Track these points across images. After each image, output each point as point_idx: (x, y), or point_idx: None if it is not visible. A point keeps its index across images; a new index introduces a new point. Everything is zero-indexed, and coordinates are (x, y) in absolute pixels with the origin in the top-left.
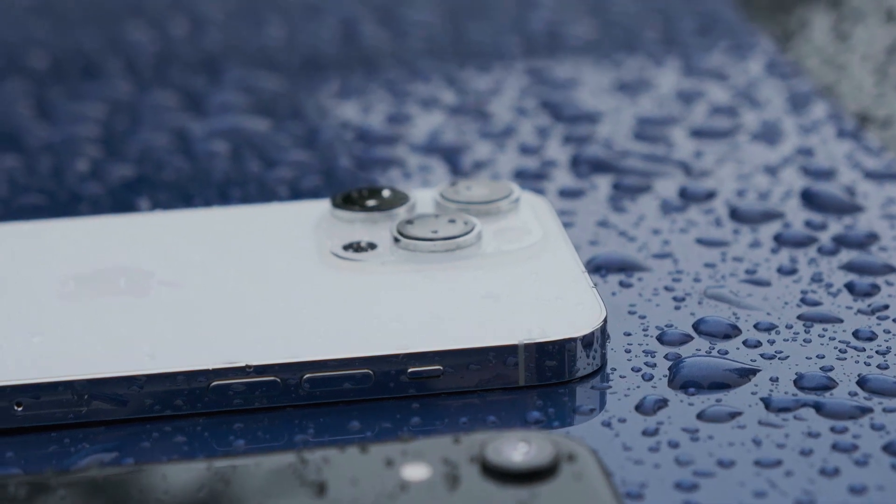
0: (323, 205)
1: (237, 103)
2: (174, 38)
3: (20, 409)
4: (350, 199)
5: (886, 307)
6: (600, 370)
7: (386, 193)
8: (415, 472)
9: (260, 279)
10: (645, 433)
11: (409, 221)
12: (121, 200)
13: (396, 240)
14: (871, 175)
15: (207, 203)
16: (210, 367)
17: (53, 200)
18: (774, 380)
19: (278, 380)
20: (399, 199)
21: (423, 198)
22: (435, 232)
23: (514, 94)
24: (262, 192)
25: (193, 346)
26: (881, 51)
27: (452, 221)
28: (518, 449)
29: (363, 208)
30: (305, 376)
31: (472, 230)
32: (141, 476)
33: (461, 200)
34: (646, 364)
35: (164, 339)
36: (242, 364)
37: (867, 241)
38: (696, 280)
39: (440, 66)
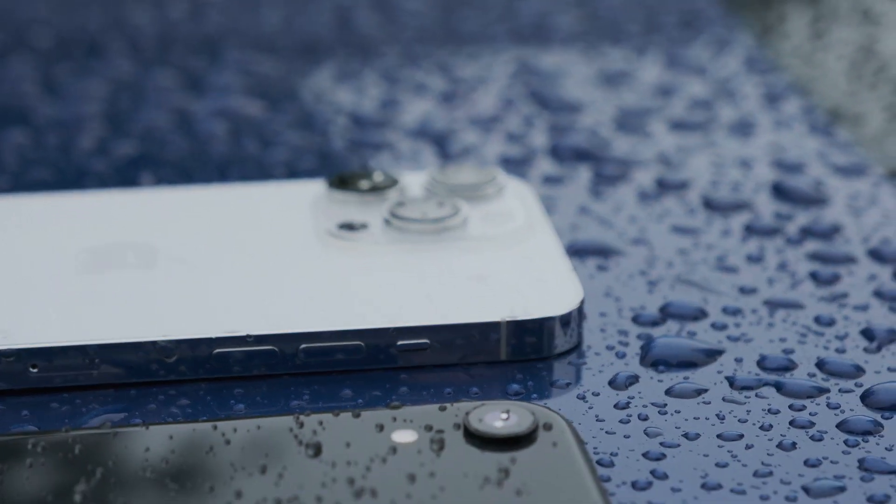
0: (319, 185)
1: (236, 85)
2: (175, 20)
3: (35, 370)
4: (344, 180)
5: (846, 295)
6: (577, 347)
7: (378, 176)
8: (403, 436)
9: (260, 255)
10: (617, 406)
11: (401, 203)
12: (125, 176)
13: (388, 221)
14: (839, 170)
15: (207, 181)
16: (213, 335)
17: (61, 175)
18: (739, 360)
19: (276, 349)
20: (390, 182)
21: (414, 181)
22: (424, 214)
23: (503, 83)
24: (259, 172)
25: (197, 316)
26: (855, 49)
27: (441, 204)
28: (499, 417)
29: (357, 190)
30: (301, 346)
31: (458, 213)
32: (149, 434)
33: (449, 184)
34: (619, 343)
35: (169, 308)
36: (243, 334)
37: (832, 232)
38: (670, 265)
39: (431, 54)
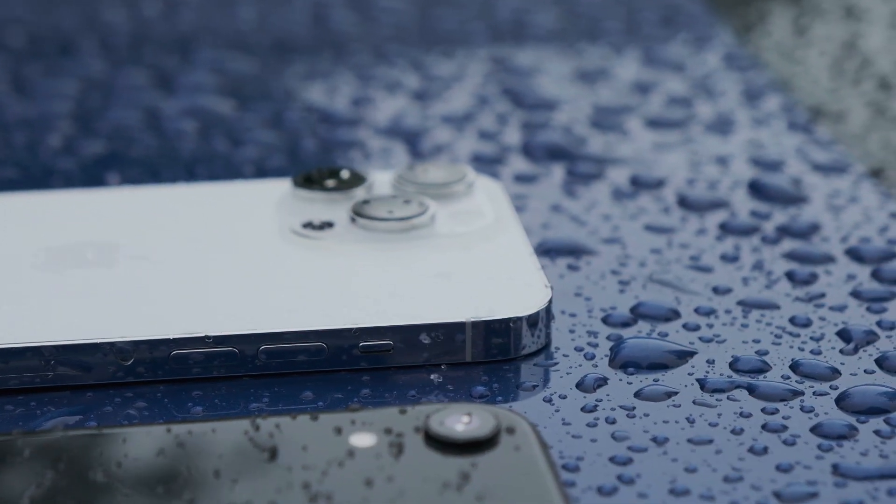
0: (284, 184)
1: (207, 83)
2: (148, 19)
3: None
4: (310, 178)
5: (823, 295)
6: (545, 349)
7: (345, 174)
8: (362, 440)
9: (222, 254)
10: (584, 409)
11: (366, 202)
12: (92, 175)
13: (353, 219)
14: (818, 167)
15: (175, 180)
16: (171, 336)
17: (27, 174)
18: (711, 362)
19: (236, 350)
20: (357, 180)
21: (381, 179)
22: (390, 212)
23: (477, 81)
24: (228, 171)
25: (156, 316)
26: (838, 46)
27: (408, 203)
28: (461, 420)
29: (322, 188)
30: (262, 347)
31: (426, 211)
32: (103, 438)
33: (418, 182)
34: (588, 344)
35: (127, 308)
36: (202, 334)
37: (810, 231)
38: (642, 265)
39: (406, 52)
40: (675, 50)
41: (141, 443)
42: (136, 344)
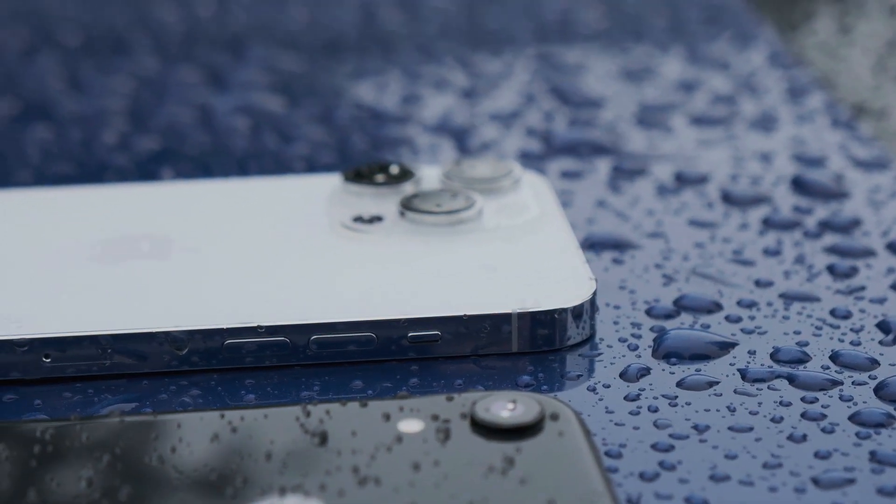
0: (334, 179)
1: (258, 81)
2: (201, 18)
3: (48, 360)
4: (360, 173)
5: (863, 288)
6: (589, 340)
7: (394, 169)
8: (409, 425)
9: (273, 247)
10: (627, 398)
11: (415, 196)
12: (146, 171)
13: (402, 213)
14: (860, 164)
15: (227, 175)
16: (225, 326)
17: (82, 169)
18: (752, 353)
19: (287, 340)
20: (406, 174)
21: (430, 174)
22: (438, 206)
23: (524, 79)
24: (279, 167)
25: (210, 306)
26: (881, 44)
27: (455, 197)
28: (506, 407)
29: (372, 183)
30: (313, 337)
31: (473, 205)
32: (159, 423)
33: (465, 177)
34: (632, 335)
35: (182, 299)
36: (255, 324)
37: (851, 226)
38: (685, 259)
39: (454, 50)
40: (719, 48)
41: (194, 427)
42: (191, 333)
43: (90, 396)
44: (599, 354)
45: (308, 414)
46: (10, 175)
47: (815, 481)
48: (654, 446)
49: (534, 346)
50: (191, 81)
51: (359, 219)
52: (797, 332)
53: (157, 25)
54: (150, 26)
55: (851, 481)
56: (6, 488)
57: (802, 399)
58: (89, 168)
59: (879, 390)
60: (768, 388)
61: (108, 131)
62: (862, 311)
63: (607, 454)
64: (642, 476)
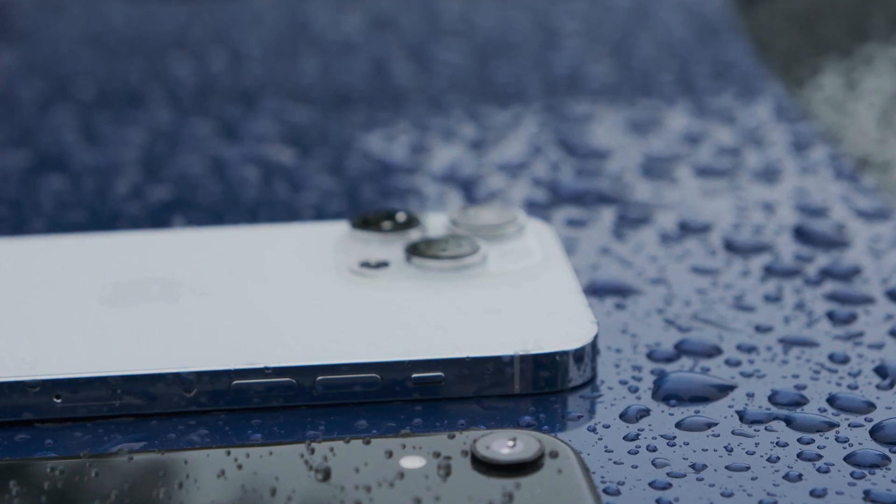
0: (342, 226)
1: (270, 133)
2: (214, 72)
3: (59, 400)
4: (367, 220)
5: (862, 334)
6: (590, 381)
7: (401, 216)
8: (411, 462)
9: (281, 291)
10: (626, 438)
11: (421, 242)
12: (158, 219)
13: (408, 258)
14: (862, 214)
15: (238, 223)
16: (232, 367)
17: (96, 218)
18: (750, 395)
19: (294, 381)
20: (412, 221)
21: (436, 221)
22: (443, 252)
23: (532, 130)
24: (289, 215)
25: (218, 348)
26: (887, 99)
27: (460, 243)
28: (506, 444)
29: (379, 229)
30: (318, 378)
31: (477, 251)
32: (166, 460)
33: (470, 224)
34: (633, 378)
35: (191, 341)
36: (262, 366)
37: (851, 273)
38: (687, 304)
39: (463, 102)
40: (725, 102)
41: (201, 464)
42: (199, 375)
43: (100, 436)
44: (600, 396)
45: (312, 451)
46: (25, 223)
47: None
48: (651, 484)
49: (536, 388)
50: (203, 133)
51: (365, 264)
52: (795, 376)
53: (171, 79)
54: (164, 80)
55: None
56: None
57: (799, 440)
58: (102, 217)
59: (875, 432)
60: (766, 429)
61: (121, 181)
62: (860, 356)
63: (606, 492)
64: None
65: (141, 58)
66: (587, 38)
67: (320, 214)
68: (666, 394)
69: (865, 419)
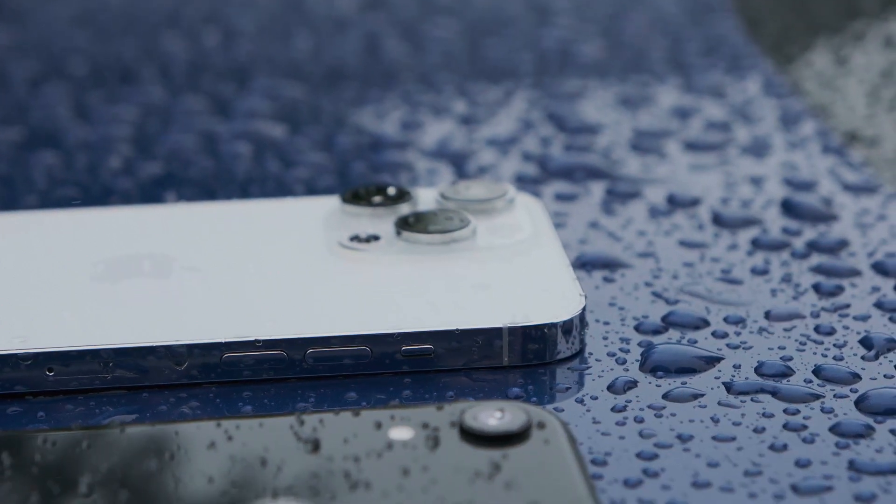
0: (333, 200)
1: (262, 109)
2: (208, 49)
3: (51, 374)
4: (357, 195)
5: (848, 306)
6: (578, 354)
7: (391, 191)
8: (400, 433)
9: (272, 265)
10: (614, 409)
11: (411, 216)
12: (150, 195)
13: (398, 232)
14: (849, 188)
15: (229, 199)
16: (223, 340)
17: (87, 193)
18: (737, 367)
19: (284, 354)
20: (402, 196)
21: (425, 196)
22: (433, 226)
23: (522, 106)
24: (280, 190)
25: (209, 321)
26: (877, 75)
27: (450, 217)
28: (493, 416)
29: (369, 204)
30: (309, 351)
31: (467, 225)
32: (157, 432)
33: (460, 198)
34: (620, 350)
35: (182, 314)
36: (253, 339)
37: (838, 247)
38: (675, 277)
39: (454, 79)
40: (715, 78)
41: (191, 435)
42: (190, 347)
43: (92, 408)
44: (588, 368)
45: (302, 423)
46: (18, 199)
47: (794, 488)
48: (638, 455)
49: (524, 360)
50: (195, 109)
51: (356, 238)
52: (782, 348)
53: (163, 56)
54: (156, 57)
55: (829, 489)
56: (11, 494)
57: (784, 411)
58: (94, 192)
59: (860, 403)
60: (752, 400)
61: (113, 157)
62: (846, 327)
63: (593, 462)
64: (626, 483)
65: (133, 35)
66: (578, 16)
67: (311, 190)
68: (653, 365)
69: (851, 390)
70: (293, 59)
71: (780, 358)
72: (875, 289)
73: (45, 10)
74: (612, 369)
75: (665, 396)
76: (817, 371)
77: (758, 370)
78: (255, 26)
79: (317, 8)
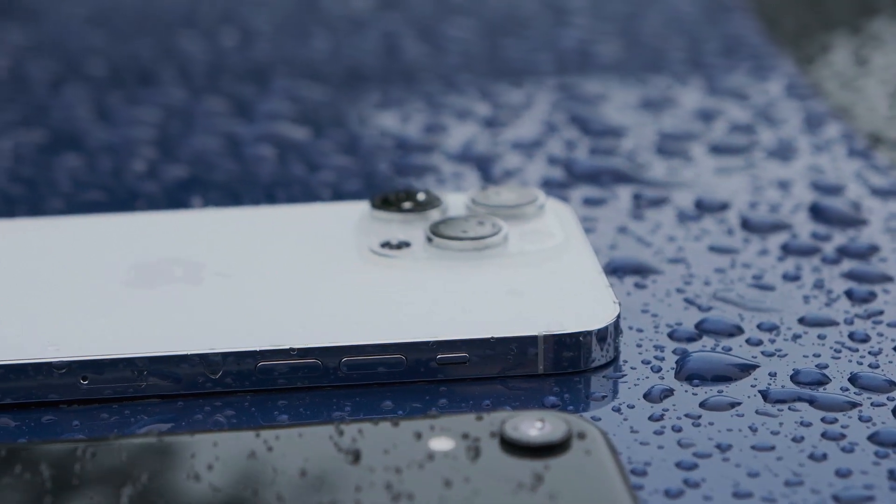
0: (363, 206)
1: (283, 111)
2: (226, 49)
3: (85, 382)
4: (387, 201)
5: (881, 312)
6: (613, 362)
7: (421, 196)
8: (440, 444)
9: (304, 272)
10: (651, 418)
11: (442, 222)
12: (175, 199)
13: (429, 239)
14: (877, 192)
15: (255, 203)
16: (257, 348)
17: (112, 197)
18: (773, 375)
19: (319, 362)
20: (433, 201)
21: (456, 201)
22: (465, 232)
23: (545, 109)
24: (306, 194)
25: (243, 329)
26: None
27: (481, 223)
28: (534, 426)
29: (400, 210)
30: (343, 360)
31: (499, 232)
32: (196, 442)
33: (490, 204)
34: (655, 357)
35: (216, 322)
36: (287, 347)
37: (868, 252)
38: (706, 283)
39: (475, 81)
40: (737, 79)
41: (231, 446)
42: (225, 356)
43: (126, 417)
44: (623, 376)
45: (341, 433)
46: (42, 203)
47: (836, 498)
48: (678, 464)
49: (559, 368)
50: (217, 111)
51: (387, 244)
52: (817, 356)
53: (182, 57)
54: (175, 58)
55: (871, 499)
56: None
57: (822, 419)
58: (119, 196)
59: None
60: (789, 408)
61: (137, 160)
62: (880, 334)
63: (633, 472)
64: (667, 493)
65: (152, 36)
66: (594, 15)
67: (337, 193)
68: (689, 373)
69: (888, 398)
70: (312, 60)
71: (816, 366)
72: None
73: (59, 10)
74: (647, 377)
75: (702, 405)
76: (853, 379)
77: (794, 378)
78: (271, 26)
79: (332, 7)
